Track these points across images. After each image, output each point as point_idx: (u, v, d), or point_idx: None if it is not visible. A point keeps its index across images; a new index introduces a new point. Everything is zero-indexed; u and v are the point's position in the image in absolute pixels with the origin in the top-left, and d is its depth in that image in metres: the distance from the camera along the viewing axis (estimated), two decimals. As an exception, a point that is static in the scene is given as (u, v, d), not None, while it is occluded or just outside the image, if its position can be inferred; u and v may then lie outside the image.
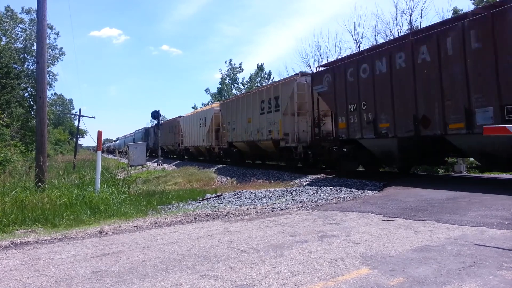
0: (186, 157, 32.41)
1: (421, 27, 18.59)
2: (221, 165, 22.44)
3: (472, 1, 23.87)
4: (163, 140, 36.70)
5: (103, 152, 9.77)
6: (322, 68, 14.29)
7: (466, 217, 5.18)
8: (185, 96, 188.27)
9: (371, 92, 10.94)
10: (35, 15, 29.05)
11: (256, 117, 17.80)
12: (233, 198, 8.79)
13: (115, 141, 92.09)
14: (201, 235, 4.78)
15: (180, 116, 33.67)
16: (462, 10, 23.70)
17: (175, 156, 37.36)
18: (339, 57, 22.63)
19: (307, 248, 3.93)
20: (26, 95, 36.70)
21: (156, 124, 38.74)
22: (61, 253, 4.10)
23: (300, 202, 7.70)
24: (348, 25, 65.58)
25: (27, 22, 36.27)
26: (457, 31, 8.50)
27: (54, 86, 48.50)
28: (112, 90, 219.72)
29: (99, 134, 8.73)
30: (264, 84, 37.30)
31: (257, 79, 50.43)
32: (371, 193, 8.68)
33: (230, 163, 22.25)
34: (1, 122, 22.76)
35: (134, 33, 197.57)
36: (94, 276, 3.26)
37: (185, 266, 3.46)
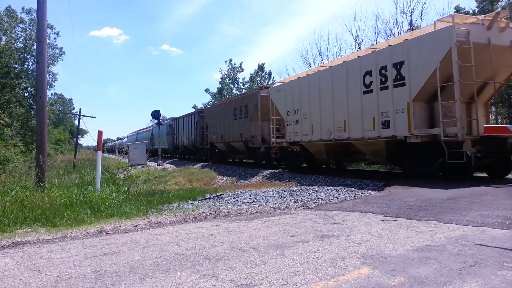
0: (283, 163, 18.14)
1: (421, 27, 18.57)
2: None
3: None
4: (216, 133, 23.28)
5: (103, 152, 9.79)
6: None
7: (467, 217, 5.17)
8: (185, 96, 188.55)
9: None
10: (35, 15, 29.09)
11: None
12: (234, 198, 8.78)
13: (121, 139, 79.39)
14: (201, 235, 4.77)
15: (265, 87, 18.69)
16: (464, 9, 23.66)
17: (240, 161, 22.97)
18: (340, 57, 22.66)
19: (307, 248, 3.93)
20: (26, 94, 36.69)
21: (198, 110, 28.51)
22: (61, 253, 4.09)
23: (301, 201, 7.70)
24: (348, 25, 65.42)
25: (27, 22, 36.26)
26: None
27: (54, 85, 48.30)
28: (112, 90, 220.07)
29: (99, 133, 8.73)
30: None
31: (257, 79, 50.43)
32: (372, 192, 8.67)
33: None
34: (1, 121, 22.76)
35: (134, 32, 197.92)
36: (94, 276, 3.26)
37: (185, 266, 3.46)
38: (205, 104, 52.17)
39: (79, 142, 57.40)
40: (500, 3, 21.81)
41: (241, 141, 19.40)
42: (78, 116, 33.74)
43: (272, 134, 15.99)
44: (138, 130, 55.39)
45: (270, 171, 16.14)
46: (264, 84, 22.85)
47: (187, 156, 32.71)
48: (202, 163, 24.88)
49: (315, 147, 13.81)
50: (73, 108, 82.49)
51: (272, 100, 16.24)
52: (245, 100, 19.58)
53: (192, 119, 28.31)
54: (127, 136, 67.12)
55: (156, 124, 35.13)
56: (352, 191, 9.01)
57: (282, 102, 15.50)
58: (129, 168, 16.55)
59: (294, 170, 15.19)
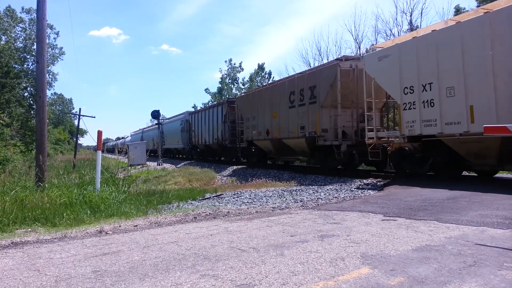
0: (366, 168, 14.48)
1: (421, 27, 18.60)
2: None
3: None
4: (257, 127, 17.56)
5: (103, 152, 9.80)
6: None
7: (467, 217, 5.18)
8: (185, 96, 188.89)
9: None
10: (35, 15, 29.09)
11: None
12: (233, 198, 8.79)
13: (122, 138, 73.60)
14: (201, 235, 4.77)
15: (347, 59, 13.07)
16: (464, 9, 23.67)
17: (286, 164, 18.41)
18: (339, 56, 22.59)
19: (307, 248, 3.93)
20: (26, 94, 36.76)
21: (228, 100, 22.90)
22: (61, 253, 4.09)
23: (300, 201, 7.70)
24: (348, 24, 65.47)
25: (27, 22, 36.38)
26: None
27: (54, 85, 48.39)
28: (112, 90, 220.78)
29: (99, 133, 8.72)
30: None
31: (257, 79, 50.42)
32: (372, 192, 8.67)
33: None
34: (1, 121, 22.77)
35: (134, 32, 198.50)
36: (94, 276, 3.26)
37: (185, 266, 3.46)
38: (204, 104, 52.08)
39: (79, 142, 57.16)
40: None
41: (302, 137, 14.09)
42: (78, 116, 33.69)
43: (371, 125, 11.17)
44: (144, 128, 50.37)
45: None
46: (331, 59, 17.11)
47: (210, 158, 26.31)
48: (234, 167, 19.40)
49: (472, 144, 8.68)
50: (73, 108, 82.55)
51: (367, 73, 11.15)
52: (312, 78, 13.62)
53: (218, 111, 22.39)
54: (131, 135, 61.11)
55: (156, 124, 34.76)
56: (352, 191, 9.01)
57: (392, 74, 10.25)
58: (129, 168, 16.56)
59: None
